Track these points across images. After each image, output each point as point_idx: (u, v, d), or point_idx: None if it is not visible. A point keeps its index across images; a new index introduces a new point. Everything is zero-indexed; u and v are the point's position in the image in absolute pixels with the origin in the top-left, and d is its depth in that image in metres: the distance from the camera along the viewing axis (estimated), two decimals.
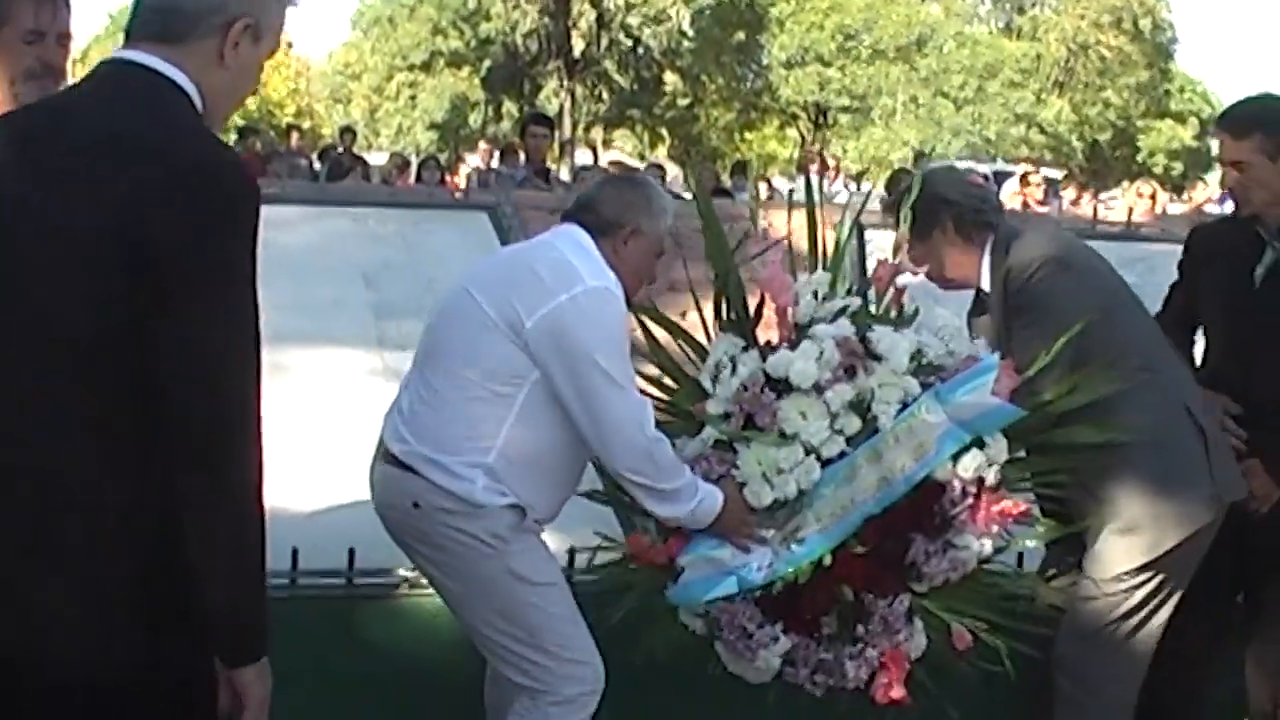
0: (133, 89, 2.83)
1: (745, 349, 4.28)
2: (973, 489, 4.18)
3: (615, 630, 4.17)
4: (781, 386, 4.15)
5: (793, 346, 4.18)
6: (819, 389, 4.11)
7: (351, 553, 4.64)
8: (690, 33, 44.54)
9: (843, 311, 4.26)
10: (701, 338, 4.45)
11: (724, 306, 4.39)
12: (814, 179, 5.01)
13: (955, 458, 4.13)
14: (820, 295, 4.29)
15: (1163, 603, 4.41)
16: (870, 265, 4.74)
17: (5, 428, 2.70)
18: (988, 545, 4.23)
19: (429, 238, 6.42)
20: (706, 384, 4.29)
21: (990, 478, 4.19)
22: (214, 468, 2.68)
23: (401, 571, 4.80)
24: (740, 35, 47.50)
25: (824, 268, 4.42)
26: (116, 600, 2.71)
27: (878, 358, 4.19)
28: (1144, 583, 4.37)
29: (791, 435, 4.13)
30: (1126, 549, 4.38)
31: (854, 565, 4.18)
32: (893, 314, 4.40)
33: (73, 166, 2.72)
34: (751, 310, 4.39)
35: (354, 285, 6.09)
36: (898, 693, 4.21)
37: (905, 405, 4.15)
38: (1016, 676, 4.18)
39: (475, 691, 4.53)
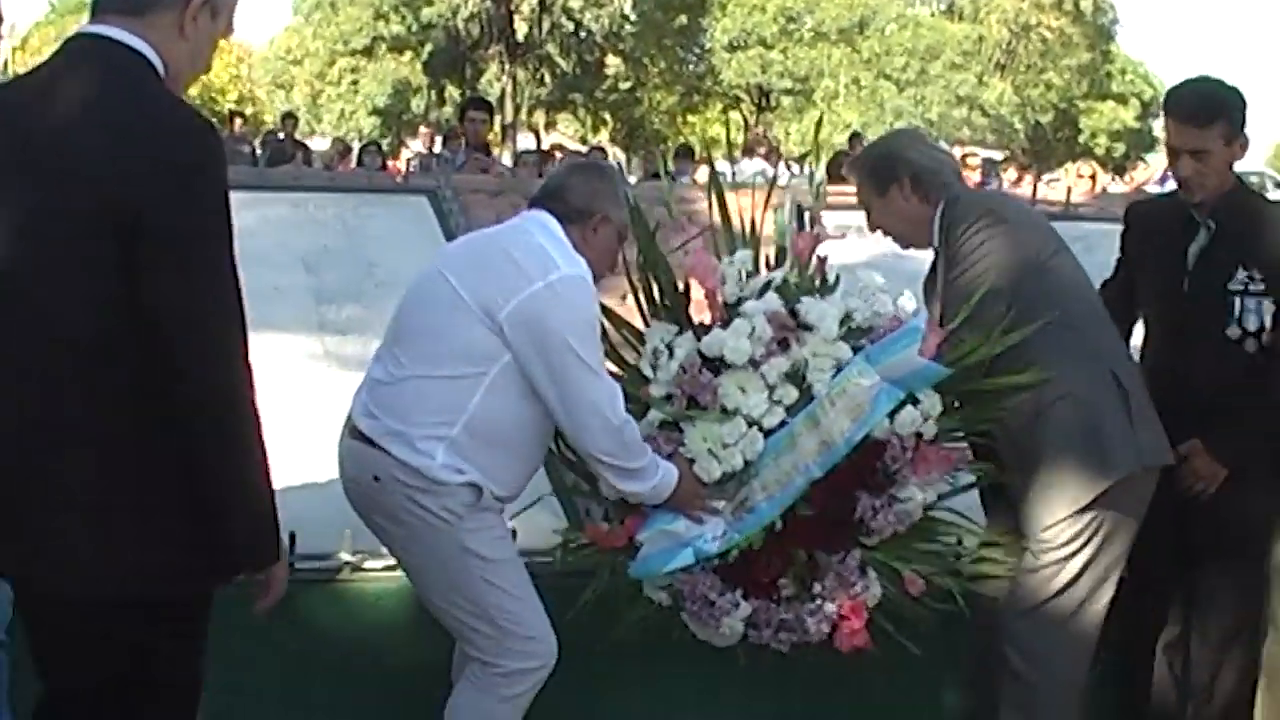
0: (104, 63, 3.08)
1: (679, 333, 4.45)
2: (911, 443, 4.45)
3: (583, 614, 4.35)
4: (718, 365, 4.34)
5: (725, 325, 4.35)
6: (755, 363, 4.38)
7: (292, 537, 4.62)
8: (632, 16, 44.43)
9: (768, 286, 4.45)
10: (640, 322, 4.56)
11: (655, 293, 4.56)
12: (746, 164, 5.20)
13: (891, 415, 4.37)
14: (744, 273, 4.47)
15: (1101, 579, 4.44)
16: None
17: (29, 364, 3.06)
18: (931, 494, 4.53)
19: (369, 222, 6.41)
20: (647, 371, 4.41)
21: (927, 431, 4.45)
22: (208, 395, 3.01)
23: (343, 555, 4.82)
24: (682, 19, 47.43)
25: (744, 245, 4.62)
26: (121, 527, 3.06)
27: (808, 327, 4.39)
28: (1078, 549, 4.42)
29: (733, 410, 4.34)
30: (1049, 502, 4.45)
31: (804, 527, 4.43)
32: (817, 283, 4.59)
33: (57, 145, 3.00)
34: (682, 291, 4.57)
35: (294, 271, 6.07)
36: (860, 640, 4.47)
37: (839, 370, 4.34)
38: (971, 614, 4.50)
39: (419, 673, 4.60)
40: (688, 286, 4.59)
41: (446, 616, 4.26)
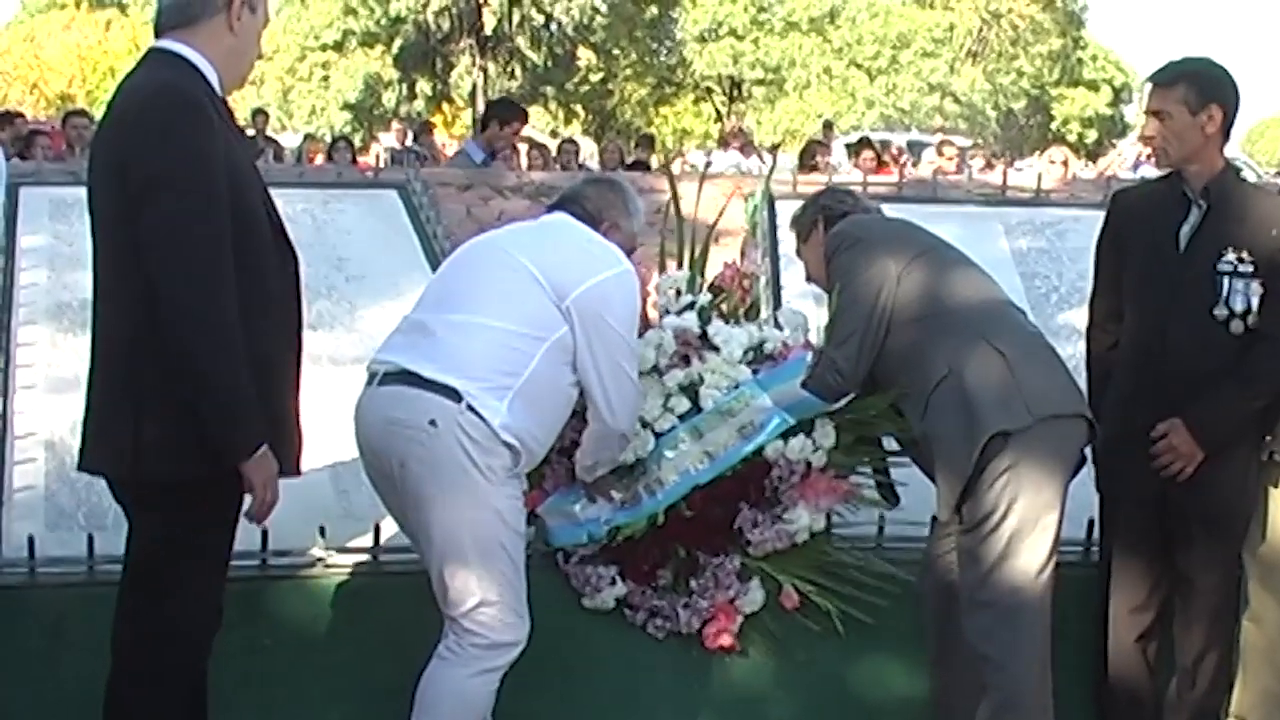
0: (151, 68, 3.82)
1: None
2: (800, 469, 4.83)
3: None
4: None
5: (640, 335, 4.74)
6: (659, 371, 4.88)
7: (265, 533, 4.62)
8: (602, 8, 44.45)
9: (690, 306, 4.97)
10: None
11: None
12: (719, 155, 5.49)
13: (785, 439, 4.80)
14: (677, 291, 5.03)
15: (1036, 539, 4.38)
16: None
17: (106, 293, 3.83)
18: (819, 520, 4.89)
19: (339, 217, 6.39)
20: None
21: (816, 461, 4.84)
22: (180, 314, 3.61)
23: (314, 551, 4.82)
24: (653, 10, 47.41)
25: (689, 266, 5.18)
26: (138, 422, 3.72)
27: (715, 348, 4.91)
28: (998, 519, 4.39)
29: None
30: (945, 480, 4.49)
31: (684, 526, 4.85)
32: (740, 310, 5.15)
33: (107, 121, 3.82)
34: None
35: None
36: (726, 640, 4.88)
37: (736, 388, 4.84)
38: (847, 636, 4.85)
39: (390, 667, 4.56)
40: None
41: (454, 577, 4.22)
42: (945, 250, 4.79)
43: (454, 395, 4.17)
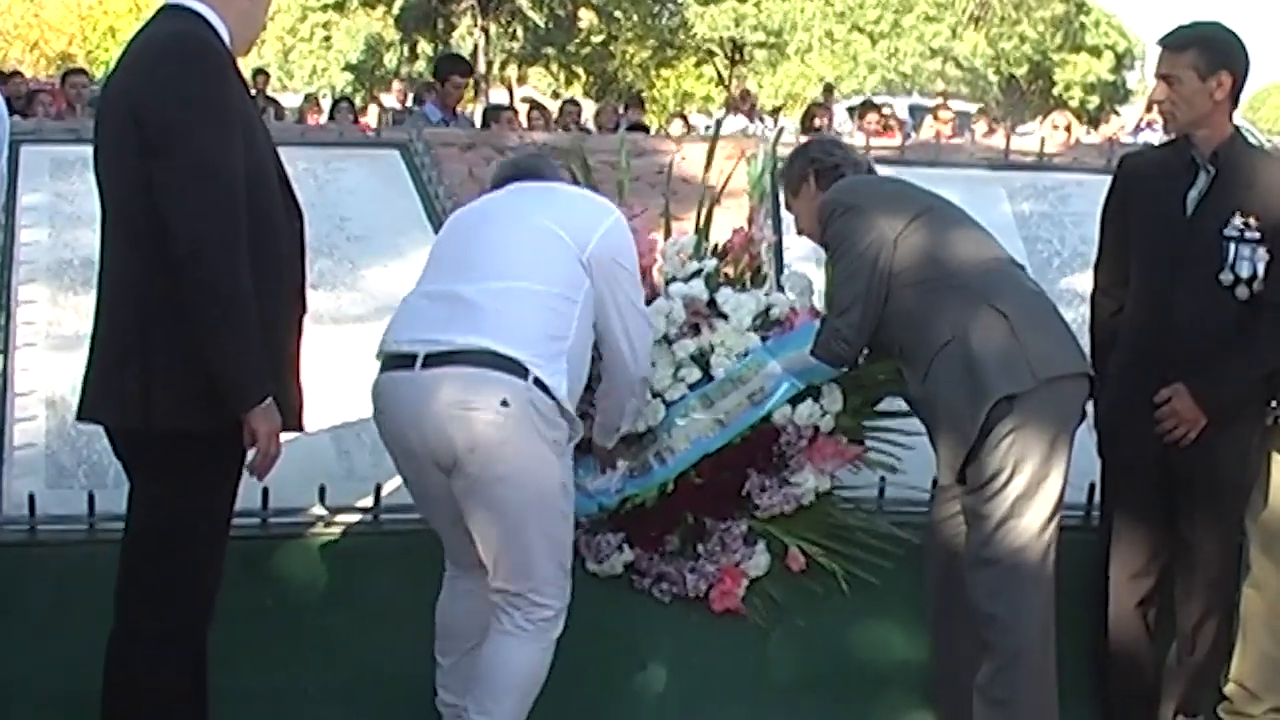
0: (163, 21, 3.82)
1: None
2: (808, 433, 4.88)
3: None
4: None
5: (649, 301, 4.75)
6: (669, 340, 4.90)
7: (265, 492, 4.63)
8: None
9: (698, 274, 4.97)
10: None
11: None
12: (729, 120, 5.51)
13: (793, 405, 4.84)
14: (684, 257, 5.04)
15: (1040, 501, 4.37)
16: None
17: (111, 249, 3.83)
18: (825, 482, 4.95)
19: (341, 176, 6.38)
20: None
21: (824, 425, 4.90)
22: (196, 258, 3.59)
23: (315, 510, 4.82)
24: None
25: (694, 231, 5.21)
26: (146, 372, 3.71)
27: (724, 315, 4.95)
28: (1004, 482, 4.37)
29: None
30: (950, 445, 4.48)
31: (693, 493, 4.90)
32: (747, 276, 5.16)
33: (119, 69, 3.84)
34: None
35: None
36: (732, 602, 4.94)
37: (745, 355, 4.88)
38: (852, 597, 4.92)
39: (393, 625, 4.58)
40: None
41: (524, 552, 4.17)
42: (943, 209, 4.77)
43: (519, 370, 4.07)
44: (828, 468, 4.93)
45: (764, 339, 4.91)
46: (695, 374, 4.88)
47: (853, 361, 4.77)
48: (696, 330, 4.93)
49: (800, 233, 5.11)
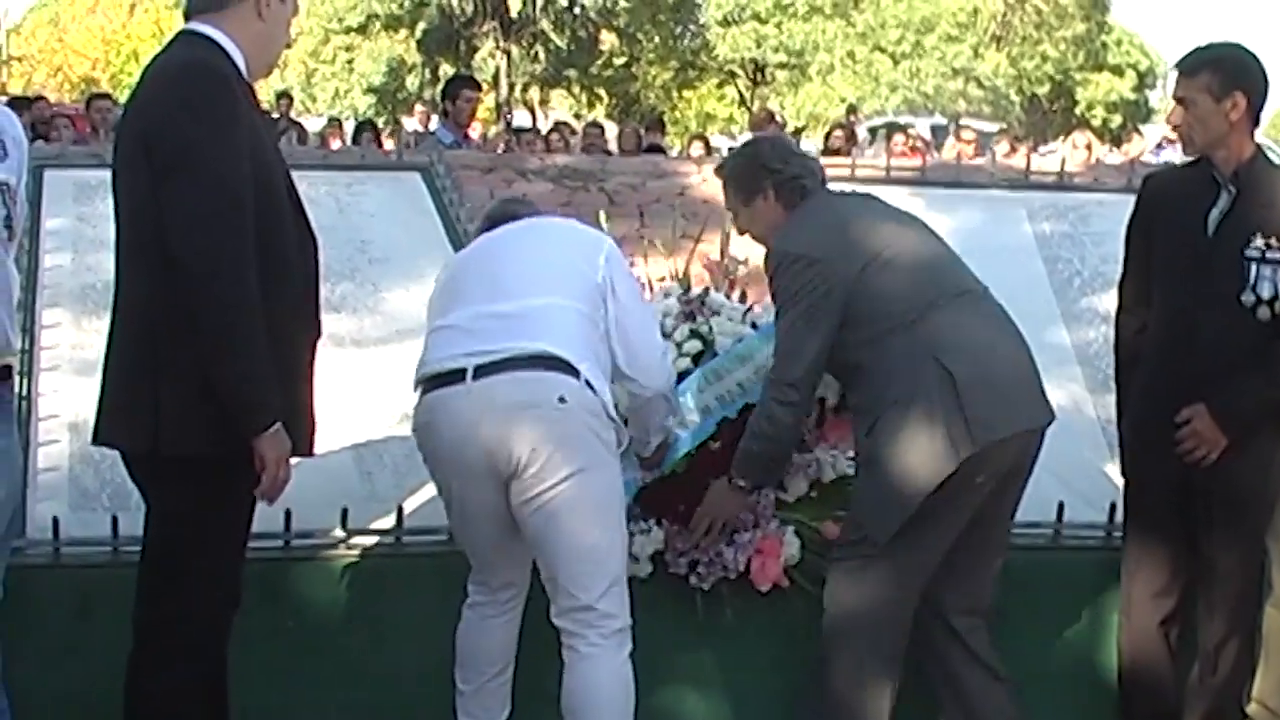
0: (178, 48, 3.89)
1: None
2: (815, 408, 4.87)
3: None
4: None
5: None
6: (665, 335, 4.95)
7: (288, 513, 4.63)
8: None
9: (693, 334, 5.06)
10: None
11: None
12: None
13: None
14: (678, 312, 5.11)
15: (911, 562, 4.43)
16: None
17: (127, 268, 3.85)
18: (841, 460, 4.93)
19: (362, 199, 6.37)
20: None
21: (831, 398, 4.92)
22: (203, 277, 3.62)
23: (337, 532, 4.82)
24: None
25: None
26: (158, 396, 3.74)
27: (716, 313, 5.07)
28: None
29: None
30: (884, 507, 4.38)
31: (714, 457, 4.79)
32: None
33: (133, 97, 3.90)
34: None
35: None
36: (774, 571, 4.85)
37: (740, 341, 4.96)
38: None
39: (412, 648, 4.57)
40: None
41: (591, 561, 4.14)
42: (899, 246, 4.57)
43: (572, 370, 4.11)
44: (841, 445, 4.91)
45: (754, 325, 5.01)
46: (696, 345, 4.97)
47: (804, 414, 4.68)
48: (691, 318, 5.05)
49: (742, 233, 4.97)
